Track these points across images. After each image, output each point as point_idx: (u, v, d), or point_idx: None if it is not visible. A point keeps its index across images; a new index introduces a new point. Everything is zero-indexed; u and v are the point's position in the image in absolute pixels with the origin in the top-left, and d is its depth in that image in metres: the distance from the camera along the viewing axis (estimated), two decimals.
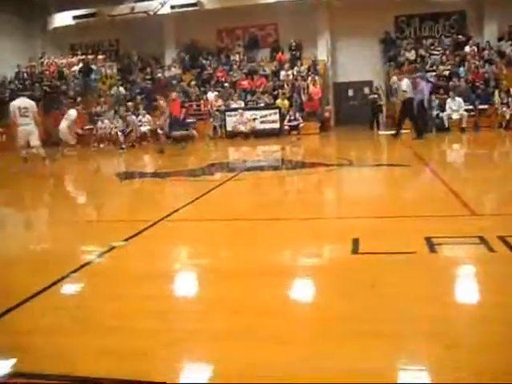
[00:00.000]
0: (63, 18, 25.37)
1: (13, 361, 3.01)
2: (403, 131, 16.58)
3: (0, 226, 7.68)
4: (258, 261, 4.74)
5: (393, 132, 16.70)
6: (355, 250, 4.68)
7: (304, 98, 20.77)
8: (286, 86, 21.33)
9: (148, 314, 3.56)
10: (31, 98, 13.02)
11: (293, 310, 3.60)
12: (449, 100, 18.20)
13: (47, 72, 25.15)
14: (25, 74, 25.23)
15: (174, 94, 20.29)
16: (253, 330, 3.20)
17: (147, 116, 20.35)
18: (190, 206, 7.75)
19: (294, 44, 23.19)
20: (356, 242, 4.88)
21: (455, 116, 17.89)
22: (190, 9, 23.74)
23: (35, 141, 12.24)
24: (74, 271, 4.61)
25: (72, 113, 17.04)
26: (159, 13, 24.20)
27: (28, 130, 12.09)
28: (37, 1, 25.48)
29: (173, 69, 23.68)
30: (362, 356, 2.75)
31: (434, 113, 18.21)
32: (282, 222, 6.32)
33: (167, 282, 4.32)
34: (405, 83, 16.19)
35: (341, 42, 23.62)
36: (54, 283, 4.29)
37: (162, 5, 23.80)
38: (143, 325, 3.38)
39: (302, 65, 22.30)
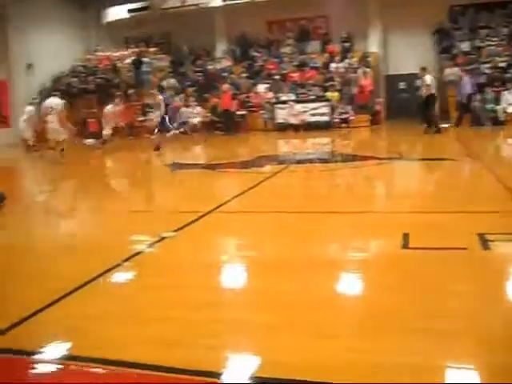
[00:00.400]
0: (118, 12, 25.83)
1: (68, 344, 3.13)
2: (446, 125, 16.60)
3: (53, 214, 7.91)
4: (307, 253, 4.76)
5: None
6: (405, 245, 4.65)
7: (355, 90, 20.56)
8: (336, 78, 21.14)
9: (195, 305, 3.63)
10: (62, 96, 14.58)
11: (339, 303, 3.61)
12: (505, 92, 17.70)
13: (101, 65, 25.63)
14: (80, 68, 25.77)
15: (225, 86, 20.42)
16: (298, 322, 3.23)
17: (198, 108, 20.53)
18: (240, 197, 7.81)
19: (344, 36, 22.95)
20: (406, 236, 4.85)
21: (511, 109, 17.38)
22: (241, 1, 23.82)
23: (60, 137, 13.63)
24: (126, 260, 4.74)
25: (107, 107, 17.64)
26: (210, 5, 24.34)
27: (52, 127, 13.54)
28: None
29: (223, 61, 23.79)
30: (408, 352, 2.75)
31: (489, 106, 17.74)
32: (332, 215, 6.31)
33: (214, 273, 4.39)
34: (429, 78, 16.41)
35: (393, 34, 23.22)
36: (107, 271, 4.42)
37: None
38: (189, 315, 3.46)
39: (352, 57, 22.05)
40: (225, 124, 20.18)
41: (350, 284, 3.96)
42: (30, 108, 17.74)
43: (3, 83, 22.96)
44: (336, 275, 4.11)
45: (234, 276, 4.43)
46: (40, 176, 13.18)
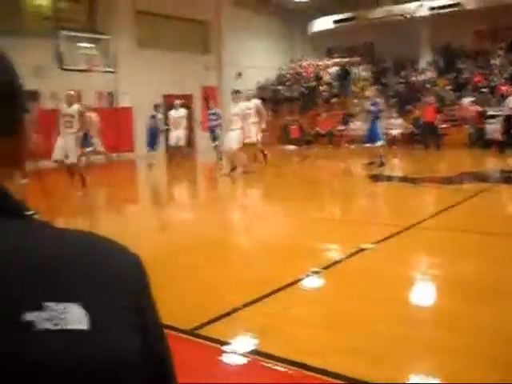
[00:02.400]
0: (323, 23, 26.55)
1: (262, 342, 3.48)
2: None
3: (248, 220, 8.49)
4: (505, 279, 4.67)
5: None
6: None
7: None
8: None
9: (392, 319, 3.81)
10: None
11: None
12: None
13: (305, 74, 26.54)
14: (287, 75, 26.94)
15: (429, 98, 19.97)
16: (486, 352, 3.24)
17: (399, 119, 20.39)
18: (442, 214, 7.77)
19: None
20: None
21: None
22: (449, 10, 23.11)
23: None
24: (325, 268, 5.05)
25: None
26: (416, 15, 23.99)
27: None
28: (298, 8, 26.98)
29: (427, 72, 23.34)
30: None
31: None
32: None
33: (411, 290, 4.53)
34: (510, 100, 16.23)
35: None
36: (304, 277, 4.76)
37: (421, 5, 23.56)
38: (388, 329, 3.64)
39: None
40: (424, 137, 19.67)
41: None
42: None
43: (215, 89, 24.76)
44: None
45: (428, 293, 4.57)
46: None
